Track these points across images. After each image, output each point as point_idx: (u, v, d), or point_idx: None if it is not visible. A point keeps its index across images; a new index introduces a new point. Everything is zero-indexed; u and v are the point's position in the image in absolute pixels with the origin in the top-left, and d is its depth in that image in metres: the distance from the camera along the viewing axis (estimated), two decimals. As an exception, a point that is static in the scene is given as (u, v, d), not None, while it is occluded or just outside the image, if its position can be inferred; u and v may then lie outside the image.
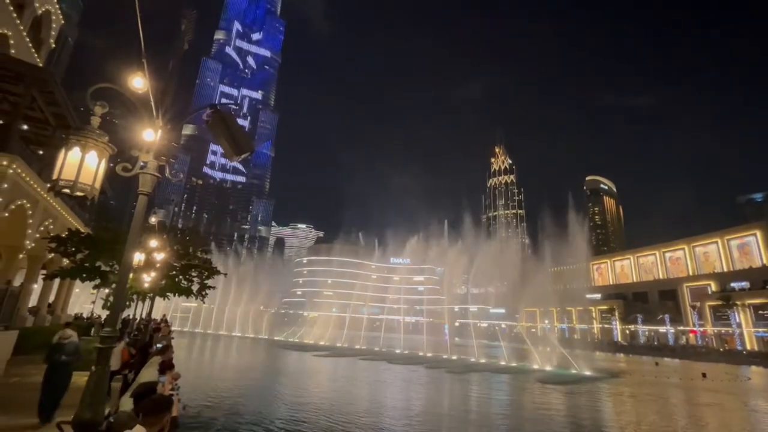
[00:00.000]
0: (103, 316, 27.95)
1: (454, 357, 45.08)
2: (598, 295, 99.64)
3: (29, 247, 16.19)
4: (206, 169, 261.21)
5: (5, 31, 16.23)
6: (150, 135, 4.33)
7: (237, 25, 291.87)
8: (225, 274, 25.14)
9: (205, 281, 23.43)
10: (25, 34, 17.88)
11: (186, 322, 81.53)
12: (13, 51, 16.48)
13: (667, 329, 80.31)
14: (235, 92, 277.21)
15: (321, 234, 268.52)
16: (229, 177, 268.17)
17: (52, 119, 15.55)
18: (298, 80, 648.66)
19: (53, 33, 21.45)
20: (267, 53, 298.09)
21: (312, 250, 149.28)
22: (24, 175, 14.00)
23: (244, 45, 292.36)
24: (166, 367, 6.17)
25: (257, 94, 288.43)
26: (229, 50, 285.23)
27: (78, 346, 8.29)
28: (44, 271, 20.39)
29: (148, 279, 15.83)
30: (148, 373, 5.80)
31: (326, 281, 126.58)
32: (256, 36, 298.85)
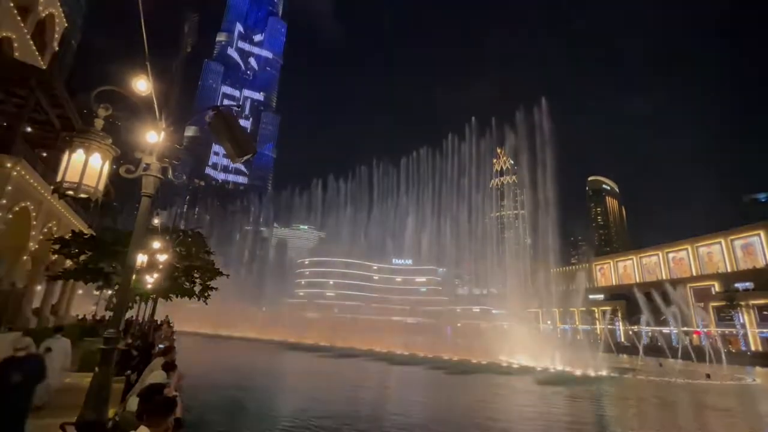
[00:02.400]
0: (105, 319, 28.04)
1: (455, 358, 44.99)
2: (600, 296, 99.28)
3: (33, 248, 16.30)
4: (208, 170, 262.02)
5: (9, 35, 16.36)
6: (153, 137, 4.35)
7: (239, 27, 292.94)
8: (227, 275, 25.17)
9: (208, 282, 23.45)
10: (29, 37, 18.03)
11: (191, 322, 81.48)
12: (17, 54, 16.62)
13: (670, 330, 79.85)
14: (237, 93, 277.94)
15: (323, 235, 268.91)
16: (231, 178, 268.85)
17: (56, 121, 15.64)
18: (300, 81, 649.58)
19: (57, 36, 21.63)
20: (269, 54, 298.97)
21: (314, 251, 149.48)
22: (28, 177, 14.09)
23: (246, 46, 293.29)
24: (170, 368, 6.19)
25: (259, 96, 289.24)
26: (231, 52, 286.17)
27: (42, 362, 5.40)
28: (48, 273, 20.51)
29: (150, 280, 15.87)
30: (157, 374, 5.80)
31: (328, 282, 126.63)
32: (257, 37, 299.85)
